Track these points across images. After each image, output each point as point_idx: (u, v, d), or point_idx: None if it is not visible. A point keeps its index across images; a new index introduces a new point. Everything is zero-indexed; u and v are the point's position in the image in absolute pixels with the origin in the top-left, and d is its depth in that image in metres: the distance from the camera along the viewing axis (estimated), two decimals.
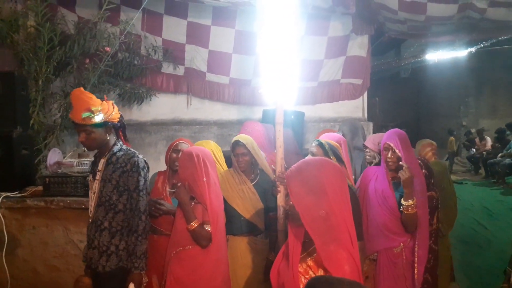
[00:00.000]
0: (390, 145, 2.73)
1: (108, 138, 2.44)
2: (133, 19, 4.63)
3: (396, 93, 16.06)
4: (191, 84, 5.56)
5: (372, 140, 3.12)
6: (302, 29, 5.41)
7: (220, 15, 5.26)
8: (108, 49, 4.52)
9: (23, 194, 3.56)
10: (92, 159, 2.69)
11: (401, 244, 2.69)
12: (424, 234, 2.67)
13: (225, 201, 2.70)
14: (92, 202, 2.45)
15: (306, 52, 5.52)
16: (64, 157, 3.86)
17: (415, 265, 2.65)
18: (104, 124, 2.38)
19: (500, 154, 9.84)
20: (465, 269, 4.70)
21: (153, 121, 5.63)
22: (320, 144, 2.74)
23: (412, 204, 2.58)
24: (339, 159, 2.66)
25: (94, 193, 2.44)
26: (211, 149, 3.01)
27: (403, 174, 2.59)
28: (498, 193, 8.27)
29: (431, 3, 4.41)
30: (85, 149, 2.61)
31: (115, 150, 2.45)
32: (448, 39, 7.13)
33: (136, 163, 2.38)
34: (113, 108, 2.44)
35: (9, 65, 4.58)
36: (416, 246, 2.66)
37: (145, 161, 2.46)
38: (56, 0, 4.90)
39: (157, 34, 5.24)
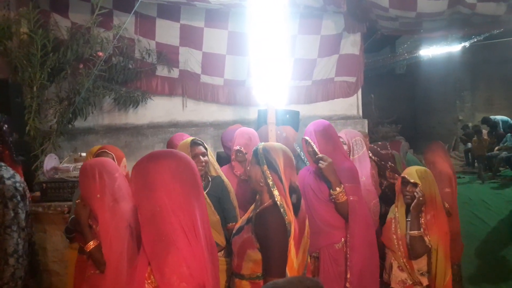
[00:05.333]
0: (306, 140, 2.69)
1: None
2: (126, 23, 4.64)
3: (392, 90, 16.07)
4: (186, 86, 5.57)
5: (345, 133, 3.11)
6: (294, 28, 5.45)
7: (213, 17, 5.29)
8: (101, 54, 4.53)
9: None
10: None
11: (342, 239, 2.57)
12: (358, 223, 2.50)
13: None
14: None
15: (299, 51, 5.56)
16: (61, 162, 3.87)
17: (347, 256, 2.50)
18: None
19: (496, 148, 9.89)
20: (464, 262, 4.73)
21: (149, 124, 5.64)
22: (255, 152, 2.04)
23: (340, 192, 2.49)
24: (274, 171, 1.94)
25: None
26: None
27: (322, 164, 2.50)
28: (495, 186, 8.31)
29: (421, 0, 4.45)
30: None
31: None
32: (441, 35, 7.16)
33: (1, 192, 1.87)
34: None
35: (3, 73, 4.60)
36: (348, 235, 2.51)
37: (15, 188, 1.91)
38: (49, 7, 4.93)
39: (150, 38, 5.26)
